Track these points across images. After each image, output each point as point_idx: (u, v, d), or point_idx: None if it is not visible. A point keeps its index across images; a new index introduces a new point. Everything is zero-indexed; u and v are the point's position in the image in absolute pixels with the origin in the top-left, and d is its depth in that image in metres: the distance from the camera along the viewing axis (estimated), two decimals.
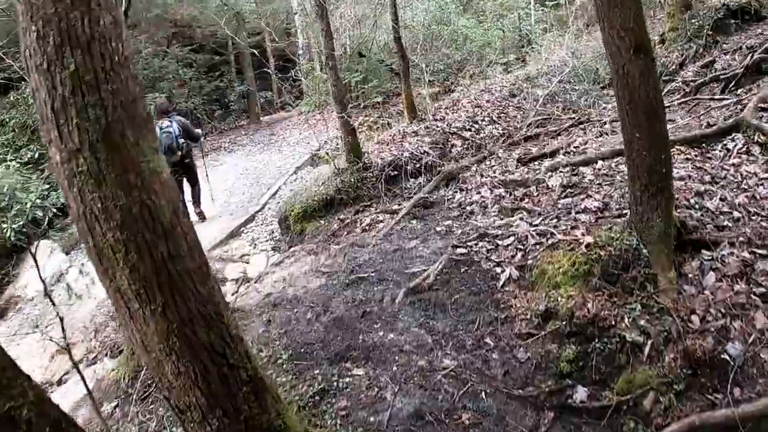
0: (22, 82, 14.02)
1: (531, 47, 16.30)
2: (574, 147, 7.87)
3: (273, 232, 10.05)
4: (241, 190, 12.23)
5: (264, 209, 11.03)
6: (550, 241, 4.96)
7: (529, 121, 10.34)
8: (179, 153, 9.40)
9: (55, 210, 11.91)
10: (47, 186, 12.23)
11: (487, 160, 8.66)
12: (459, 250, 5.36)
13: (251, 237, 10.12)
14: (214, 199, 11.45)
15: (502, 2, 16.57)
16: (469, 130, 10.40)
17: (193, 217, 10.23)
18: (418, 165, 9.21)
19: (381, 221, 7.80)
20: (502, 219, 5.92)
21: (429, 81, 14.99)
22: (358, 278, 5.48)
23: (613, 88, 4.45)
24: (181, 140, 9.38)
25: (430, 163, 9.26)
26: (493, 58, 15.10)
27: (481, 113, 10.96)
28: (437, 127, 10.39)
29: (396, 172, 9.10)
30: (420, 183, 8.97)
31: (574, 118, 10.10)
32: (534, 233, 5.17)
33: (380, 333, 4.58)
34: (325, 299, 5.20)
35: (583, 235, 4.74)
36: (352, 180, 8.91)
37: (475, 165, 8.50)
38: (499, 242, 5.29)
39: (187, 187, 10.22)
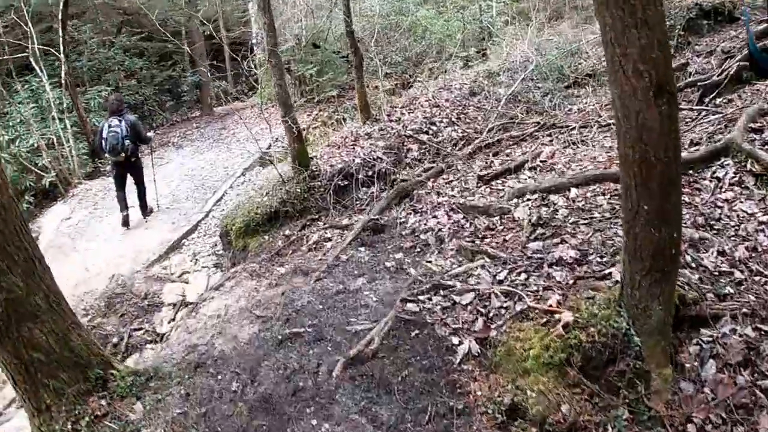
0: None
1: (492, 41, 15.24)
2: (541, 161, 6.97)
3: (216, 245, 9.07)
4: (186, 194, 11.13)
5: (208, 217, 9.96)
6: (518, 307, 4.05)
7: (491, 125, 9.39)
8: (123, 155, 9.09)
9: None
10: None
11: (444, 173, 7.64)
12: (409, 306, 4.40)
13: (193, 251, 9.11)
14: (159, 206, 10.56)
15: None
16: (427, 132, 9.46)
17: (138, 216, 10.05)
18: (370, 173, 8.31)
19: (329, 239, 6.99)
20: (460, 263, 4.96)
21: (386, 74, 14.04)
22: (294, 334, 4.54)
23: (618, 140, 3.27)
24: (127, 141, 9.02)
25: (383, 170, 8.34)
26: (453, 51, 14.00)
27: (440, 114, 10.04)
28: (392, 129, 9.46)
29: (347, 182, 8.19)
30: (372, 192, 8.09)
31: (538, 122, 9.20)
32: (498, 292, 4.20)
33: (313, 421, 3.66)
34: (255, 362, 4.29)
35: (558, 304, 3.84)
36: (299, 190, 7.99)
37: (432, 180, 7.49)
38: (457, 299, 4.35)
39: (132, 187, 9.78)
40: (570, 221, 5.02)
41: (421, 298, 4.47)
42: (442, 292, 4.48)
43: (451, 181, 7.30)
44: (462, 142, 9.16)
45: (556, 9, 17.65)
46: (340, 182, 8.06)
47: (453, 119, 9.87)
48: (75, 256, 9.46)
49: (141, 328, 7.03)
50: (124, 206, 9.61)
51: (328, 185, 7.99)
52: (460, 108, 10.32)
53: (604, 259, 4.32)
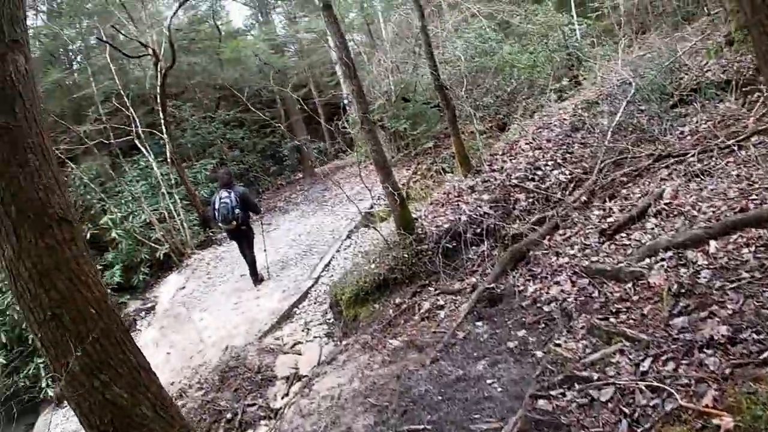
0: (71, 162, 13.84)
1: (582, 67, 14.34)
2: (665, 203, 6.16)
3: (326, 313, 8.79)
4: (294, 260, 11.03)
5: (317, 284, 9.72)
6: (668, 406, 3.33)
7: (600, 163, 8.56)
8: (234, 223, 9.54)
9: (108, 291, 11.13)
10: (99, 268, 11.34)
11: (560, 227, 6.96)
12: (540, 403, 3.82)
13: (304, 320, 8.88)
14: (270, 274, 10.59)
15: (543, 21, 14.63)
16: (532, 179, 8.79)
17: (250, 284, 10.34)
18: (478, 230, 7.80)
19: (441, 306, 6.55)
20: (594, 346, 4.27)
21: (479, 117, 13.51)
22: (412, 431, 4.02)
23: None
24: (237, 211, 9.46)
25: (491, 226, 7.78)
26: (545, 84, 13.26)
27: (543, 156, 9.35)
28: (495, 179, 8.91)
29: (455, 242, 7.67)
30: (483, 251, 7.51)
31: (652, 153, 8.29)
32: (643, 386, 3.53)
33: None
34: None
35: (715, 402, 3.13)
36: (406, 256, 7.57)
37: (548, 237, 6.82)
38: (595, 394, 3.69)
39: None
40: (715, 286, 4.22)
41: (553, 393, 3.85)
42: (576, 386, 3.83)
43: (569, 237, 6.60)
44: (571, 185, 8.44)
45: (641, 21, 16.44)
46: (447, 244, 7.59)
47: (558, 160, 9.15)
48: (190, 326, 9.55)
49: (255, 404, 6.83)
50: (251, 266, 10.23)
51: (435, 248, 7.55)
52: (564, 147, 9.57)
53: (761, 336, 3.54)
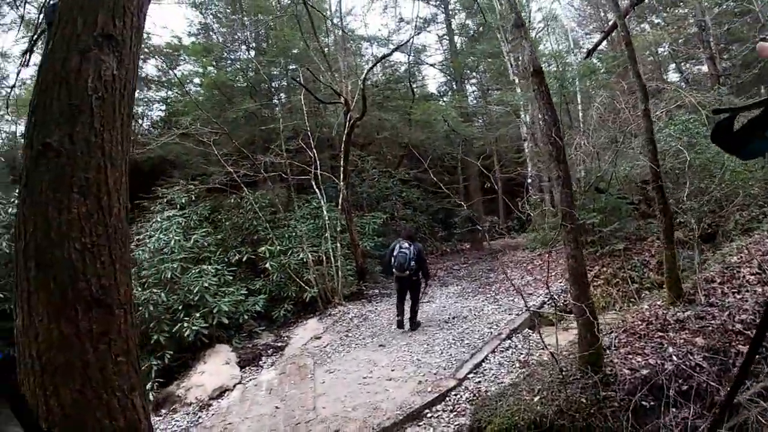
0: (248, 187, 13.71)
1: None
2: None
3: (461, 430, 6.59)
4: (441, 347, 9.03)
5: (461, 387, 7.57)
6: None
7: None
8: (407, 273, 9.75)
9: (247, 316, 11.06)
10: (246, 292, 11.43)
11: None
12: None
13: (433, 428, 6.77)
14: (410, 350, 8.94)
15: None
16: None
17: (386, 358, 8.95)
18: (685, 387, 5.36)
19: None
20: None
21: (678, 222, 10.80)
22: None
23: None
24: (413, 263, 9.71)
25: (703, 385, 5.39)
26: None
27: None
28: (712, 316, 6.40)
29: (651, 400, 5.29)
30: (686, 419, 5.13)
31: None
32: None
33: None
34: None
35: None
36: (584, 401, 5.33)
37: None
38: None
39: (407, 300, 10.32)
40: None
41: None
42: None
43: None
44: None
45: None
46: (643, 400, 5.28)
47: None
48: (310, 384, 8.22)
49: None
50: (401, 312, 10.22)
51: (625, 401, 5.27)
52: None
53: None
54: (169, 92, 19.15)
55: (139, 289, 10.03)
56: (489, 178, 12.68)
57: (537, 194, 16.34)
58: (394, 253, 9.78)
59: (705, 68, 18.44)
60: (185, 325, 9.76)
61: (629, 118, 11.62)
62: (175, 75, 16.78)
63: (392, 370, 8.25)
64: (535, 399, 5.60)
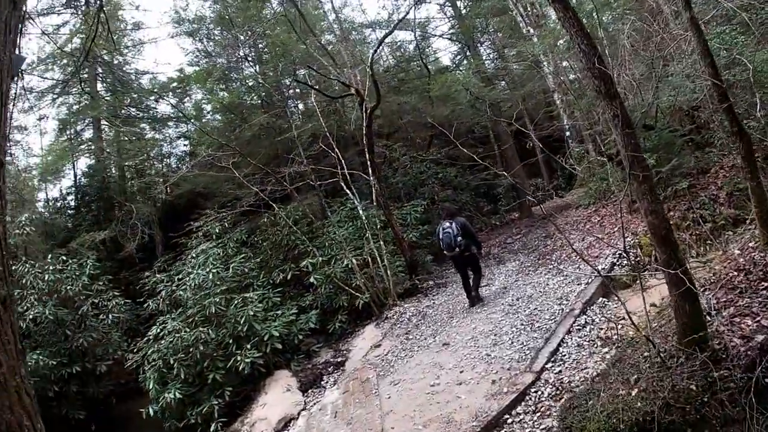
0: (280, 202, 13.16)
1: None
2: None
3: None
4: (510, 336, 7.91)
5: (540, 381, 6.53)
6: None
7: None
8: (457, 250, 9.46)
9: (302, 335, 10.46)
10: (296, 310, 10.87)
11: None
12: None
13: None
14: (480, 351, 7.74)
15: None
16: None
17: (452, 359, 7.88)
18: None
19: None
20: None
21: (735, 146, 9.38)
22: None
23: None
24: (459, 239, 9.41)
25: None
26: None
27: None
28: None
29: None
30: None
31: None
32: None
33: None
34: None
35: None
36: (693, 388, 4.19)
37: None
38: None
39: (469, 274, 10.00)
40: None
41: None
42: None
43: None
44: None
45: None
46: (765, 376, 4.14)
47: None
48: (375, 401, 7.41)
49: None
50: (468, 291, 9.90)
51: (743, 380, 4.15)
52: None
53: None
54: (188, 126, 18.67)
55: (187, 330, 9.54)
56: (528, 137, 11.61)
57: (578, 146, 15.01)
58: (440, 236, 9.59)
59: None
60: (238, 358, 9.20)
61: (666, 40, 10.16)
62: (176, 106, 16.10)
63: (461, 372, 7.30)
64: (633, 393, 4.53)
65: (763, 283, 5.08)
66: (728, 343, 4.40)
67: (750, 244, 5.94)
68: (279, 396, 9.19)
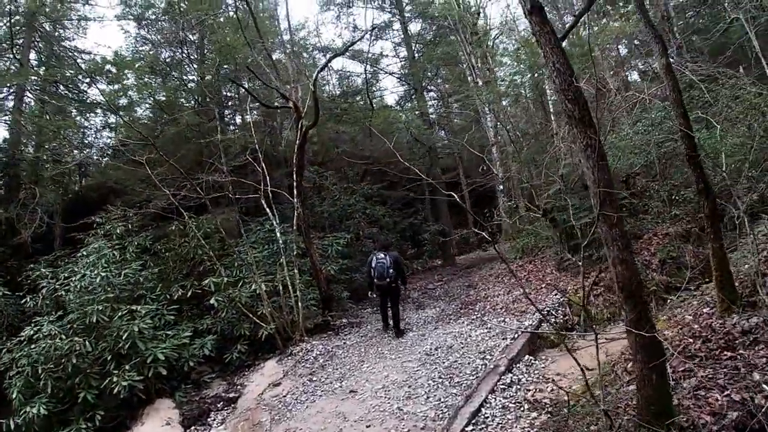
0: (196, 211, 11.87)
1: None
2: None
3: None
4: (425, 389, 6.83)
5: None
6: None
7: None
8: (387, 280, 9.55)
9: (194, 362, 9.09)
10: (191, 333, 9.48)
11: None
12: None
13: None
14: (388, 396, 6.77)
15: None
16: None
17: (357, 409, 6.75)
18: None
19: None
20: None
21: (674, 215, 9.22)
22: None
23: None
24: (391, 271, 9.56)
25: None
26: None
27: None
28: None
29: None
30: None
31: None
32: None
33: None
34: None
35: None
36: None
37: None
38: None
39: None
40: None
41: None
42: None
43: None
44: None
45: None
46: None
47: None
48: None
49: None
50: (385, 318, 10.14)
51: None
52: None
53: None
54: (116, 118, 16.98)
55: (63, 337, 8.16)
56: (460, 187, 10.95)
57: (509, 201, 14.64)
58: (373, 265, 9.64)
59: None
60: (115, 379, 7.90)
61: (613, 104, 9.91)
62: (102, 92, 14.41)
63: (367, 427, 6.15)
64: None
65: (726, 352, 4.36)
66: (697, 421, 3.59)
67: (705, 310, 5.27)
68: (157, 430, 7.84)
